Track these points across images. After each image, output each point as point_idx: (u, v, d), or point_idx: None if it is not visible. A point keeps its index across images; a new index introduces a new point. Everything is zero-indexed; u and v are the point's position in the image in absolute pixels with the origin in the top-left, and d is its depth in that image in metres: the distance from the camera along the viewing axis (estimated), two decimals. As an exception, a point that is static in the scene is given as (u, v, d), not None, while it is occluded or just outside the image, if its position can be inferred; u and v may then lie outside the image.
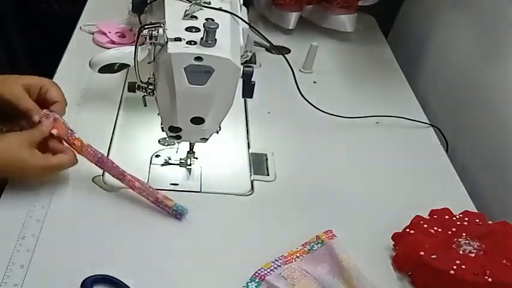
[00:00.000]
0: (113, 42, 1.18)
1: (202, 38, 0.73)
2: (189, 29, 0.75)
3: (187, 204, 0.84)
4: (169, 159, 0.92)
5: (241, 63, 0.78)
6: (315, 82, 1.20)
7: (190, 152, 0.90)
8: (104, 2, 1.34)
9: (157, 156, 0.93)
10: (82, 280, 0.70)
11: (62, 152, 0.81)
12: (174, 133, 0.83)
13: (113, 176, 0.83)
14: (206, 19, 0.75)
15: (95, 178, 0.86)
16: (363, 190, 0.93)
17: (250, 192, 0.90)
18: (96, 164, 0.83)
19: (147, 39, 0.76)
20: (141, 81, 0.82)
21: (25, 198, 0.80)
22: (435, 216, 0.82)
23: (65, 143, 0.82)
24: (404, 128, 1.09)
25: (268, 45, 1.22)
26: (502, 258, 0.75)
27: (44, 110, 0.83)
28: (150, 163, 0.91)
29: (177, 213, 0.82)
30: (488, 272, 0.73)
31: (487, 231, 0.80)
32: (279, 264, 0.76)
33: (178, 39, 0.73)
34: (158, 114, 0.82)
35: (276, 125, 1.05)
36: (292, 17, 1.33)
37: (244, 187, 0.90)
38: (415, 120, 1.11)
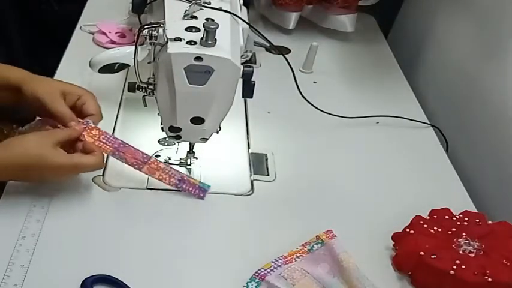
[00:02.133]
0: (113, 42, 1.18)
1: (202, 38, 0.73)
2: (189, 29, 0.75)
3: (187, 204, 0.84)
4: (169, 159, 0.92)
5: (241, 63, 0.78)
6: (315, 82, 1.20)
7: (190, 152, 0.90)
8: (104, 2, 1.34)
9: (157, 156, 0.93)
10: (82, 280, 0.70)
11: (90, 153, 0.79)
12: (174, 133, 0.83)
13: (134, 163, 0.83)
14: (206, 19, 0.75)
15: (95, 178, 0.86)
16: (362, 190, 0.93)
17: (250, 192, 0.90)
18: (113, 154, 0.82)
19: (147, 39, 0.76)
20: (141, 81, 0.82)
21: (25, 198, 0.80)
22: (435, 216, 0.82)
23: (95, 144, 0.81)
24: (404, 128, 1.09)
25: (268, 45, 1.22)
26: (502, 258, 0.75)
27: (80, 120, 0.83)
28: (150, 163, 0.91)
29: (201, 190, 0.84)
30: (488, 272, 0.73)
31: (487, 231, 0.80)
32: (279, 264, 0.76)
33: (178, 39, 0.74)
34: (158, 114, 0.82)
35: (276, 125, 1.05)
36: (292, 17, 1.33)
37: (244, 187, 0.90)
38: (415, 120, 1.11)
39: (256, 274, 0.74)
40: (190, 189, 0.85)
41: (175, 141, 0.91)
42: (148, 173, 0.84)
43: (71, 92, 0.85)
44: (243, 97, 0.81)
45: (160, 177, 0.84)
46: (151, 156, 0.85)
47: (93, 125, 0.83)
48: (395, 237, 0.82)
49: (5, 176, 0.78)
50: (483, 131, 1.07)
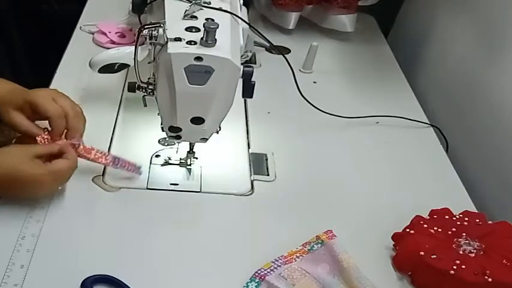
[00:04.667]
0: (113, 42, 1.18)
1: (202, 38, 0.73)
2: (189, 29, 0.75)
3: (187, 204, 0.85)
4: (169, 159, 0.92)
5: (241, 63, 0.78)
6: (315, 82, 1.20)
7: (190, 152, 0.90)
8: (104, 2, 1.34)
9: (157, 156, 0.93)
10: (82, 280, 0.70)
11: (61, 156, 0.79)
12: (174, 133, 0.83)
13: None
14: (206, 19, 0.75)
15: (95, 178, 0.86)
16: (363, 190, 0.93)
17: (250, 192, 0.90)
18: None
19: (147, 39, 0.76)
20: (141, 81, 0.82)
21: (25, 198, 0.80)
22: (435, 216, 0.82)
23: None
24: (404, 128, 1.09)
25: (268, 45, 1.22)
26: (502, 258, 0.75)
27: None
28: (150, 163, 0.91)
29: (136, 168, 0.87)
30: (488, 272, 0.73)
31: (487, 231, 0.80)
32: (279, 264, 0.76)
33: (178, 39, 0.73)
34: (158, 114, 0.82)
35: (276, 125, 1.05)
36: (292, 17, 1.33)
37: (244, 187, 0.90)
38: (415, 120, 1.11)
39: (256, 274, 0.74)
40: (126, 165, 0.86)
41: (175, 141, 0.91)
42: (84, 153, 0.83)
43: (20, 103, 0.81)
44: (243, 97, 0.81)
45: (96, 156, 0.84)
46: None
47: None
48: (395, 237, 0.82)
49: None
50: (483, 130, 1.07)
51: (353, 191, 0.93)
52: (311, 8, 1.36)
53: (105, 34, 1.19)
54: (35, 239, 0.75)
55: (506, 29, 1.04)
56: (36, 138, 0.81)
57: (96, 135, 0.89)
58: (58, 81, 1.04)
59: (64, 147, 0.80)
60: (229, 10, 0.82)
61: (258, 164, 0.96)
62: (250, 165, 0.95)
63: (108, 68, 0.96)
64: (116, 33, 1.20)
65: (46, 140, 0.81)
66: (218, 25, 0.72)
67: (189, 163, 0.91)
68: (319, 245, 0.79)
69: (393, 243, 0.82)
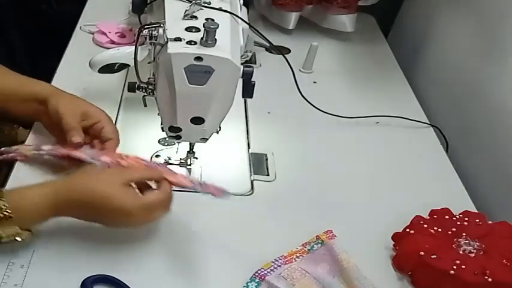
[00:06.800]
0: (113, 42, 1.18)
1: (202, 38, 0.73)
2: (189, 29, 0.75)
3: (187, 204, 0.84)
4: (169, 159, 0.92)
5: (241, 63, 0.78)
6: (315, 82, 1.20)
7: (190, 152, 0.90)
8: (104, 2, 1.34)
9: (157, 156, 0.93)
10: (82, 280, 0.70)
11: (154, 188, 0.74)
12: (174, 133, 0.83)
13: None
14: (206, 19, 0.75)
15: (95, 178, 0.86)
16: (362, 190, 0.93)
17: (250, 192, 0.90)
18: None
19: (147, 39, 0.76)
20: (141, 81, 0.82)
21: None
22: (435, 216, 0.82)
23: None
24: (404, 128, 1.09)
25: (268, 45, 1.22)
26: (502, 258, 0.75)
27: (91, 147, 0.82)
28: (150, 163, 0.91)
29: (220, 191, 0.77)
30: (488, 272, 0.73)
31: (487, 231, 0.80)
32: (279, 264, 0.76)
33: (178, 39, 0.73)
34: (158, 114, 0.82)
35: (276, 125, 1.05)
36: (292, 17, 1.33)
37: (244, 187, 0.90)
38: (415, 120, 1.11)
39: (256, 274, 0.74)
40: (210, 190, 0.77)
41: (175, 141, 0.91)
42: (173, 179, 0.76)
43: (92, 115, 0.85)
44: (243, 97, 0.81)
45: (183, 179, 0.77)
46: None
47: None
48: (395, 237, 0.82)
49: (69, 212, 0.73)
50: (483, 130, 1.07)
51: (353, 191, 0.93)
52: (311, 8, 1.36)
53: (105, 34, 1.19)
54: (35, 239, 0.75)
55: (506, 29, 1.04)
56: (81, 147, 0.80)
57: (96, 135, 0.89)
58: (58, 81, 1.04)
59: (157, 174, 0.75)
60: (229, 10, 0.82)
61: (258, 164, 0.96)
62: (250, 165, 0.95)
63: (108, 68, 0.96)
64: (116, 33, 1.20)
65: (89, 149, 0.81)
66: (218, 25, 0.72)
67: (189, 163, 0.91)
68: (319, 245, 0.79)
69: (393, 243, 0.82)
